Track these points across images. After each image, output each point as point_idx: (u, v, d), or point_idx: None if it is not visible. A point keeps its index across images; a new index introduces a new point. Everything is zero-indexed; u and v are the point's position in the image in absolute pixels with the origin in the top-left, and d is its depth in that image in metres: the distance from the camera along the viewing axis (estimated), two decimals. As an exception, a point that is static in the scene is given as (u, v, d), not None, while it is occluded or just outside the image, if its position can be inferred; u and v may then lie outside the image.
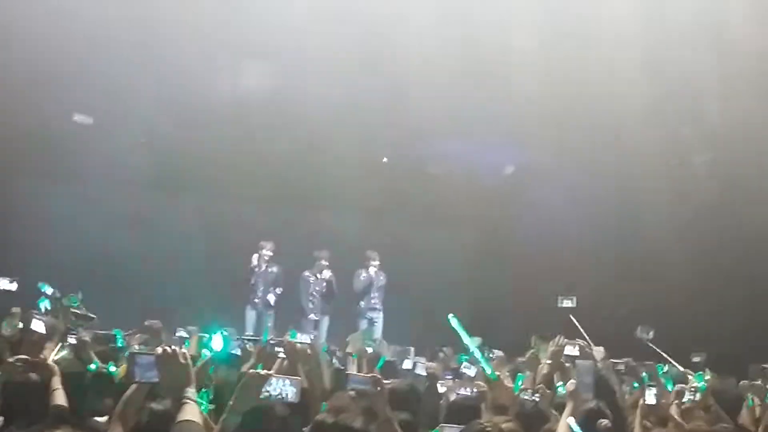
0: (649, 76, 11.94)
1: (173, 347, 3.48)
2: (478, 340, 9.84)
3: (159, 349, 3.49)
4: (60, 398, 5.01)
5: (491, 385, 5.68)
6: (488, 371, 5.86)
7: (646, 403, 5.81)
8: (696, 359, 9.64)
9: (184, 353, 3.46)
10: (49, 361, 5.32)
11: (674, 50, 11.79)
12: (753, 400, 6.85)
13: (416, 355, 10.00)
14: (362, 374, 5.64)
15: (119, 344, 7.86)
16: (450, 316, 6.14)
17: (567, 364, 7.48)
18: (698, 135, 13.17)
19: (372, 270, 14.06)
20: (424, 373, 7.71)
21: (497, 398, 5.55)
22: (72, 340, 6.85)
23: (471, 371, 7.12)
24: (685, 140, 13.32)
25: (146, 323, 9.10)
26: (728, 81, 11.89)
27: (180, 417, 3.29)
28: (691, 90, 12.31)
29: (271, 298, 13.79)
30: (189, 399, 3.35)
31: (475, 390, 5.79)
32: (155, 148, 14.24)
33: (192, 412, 3.32)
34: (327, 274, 13.88)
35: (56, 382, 5.11)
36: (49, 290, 8.42)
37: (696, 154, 13.48)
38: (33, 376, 5.15)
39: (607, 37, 11.60)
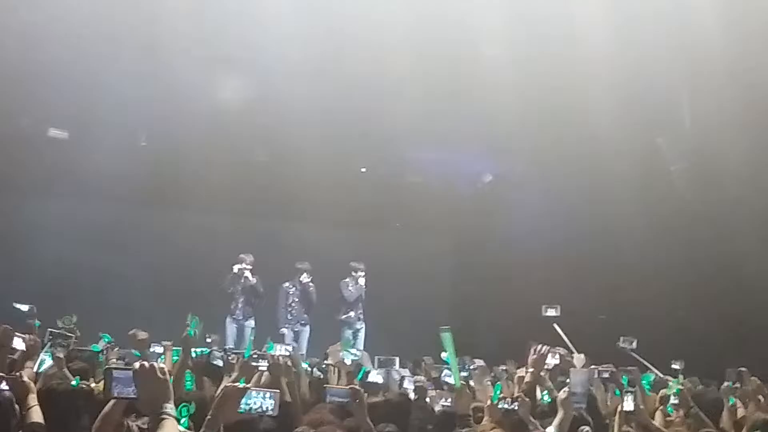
0: (623, 86, 12.01)
1: (151, 362, 3.40)
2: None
3: (137, 365, 3.40)
4: (36, 415, 4.95)
5: (456, 393, 5.69)
6: (455, 380, 5.88)
7: (624, 410, 5.81)
8: (675, 366, 9.69)
9: (162, 368, 3.37)
10: (25, 378, 5.25)
11: (650, 60, 11.88)
12: (734, 400, 6.90)
13: (400, 365, 9.99)
14: (341, 386, 5.64)
15: (99, 358, 7.82)
16: (444, 331, 6.10)
17: (542, 374, 7.51)
18: (674, 144, 13.27)
19: (362, 280, 13.99)
20: (412, 387, 7.68)
21: (458, 406, 5.56)
22: (47, 357, 6.81)
23: (452, 380, 7.12)
24: (660, 149, 13.41)
25: (131, 332, 9.01)
26: (701, 90, 11.99)
27: None
28: (664, 99, 12.41)
29: (250, 315, 13.71)
30: (168, 414, 3.28)
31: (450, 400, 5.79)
32: (131, 161, 14.14)
33: (171, 428, 3.25)
34: (306, 279, 13.78)
35: (32, 400, 5.04)
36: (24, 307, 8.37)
37: (672, 162, 13.55)
38: (6, 393, 5.07)
39: (582, 47, 11.65)
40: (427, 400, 6.92)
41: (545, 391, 6.64)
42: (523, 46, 11.77)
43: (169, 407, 3.30)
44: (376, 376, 8.23)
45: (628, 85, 11.99)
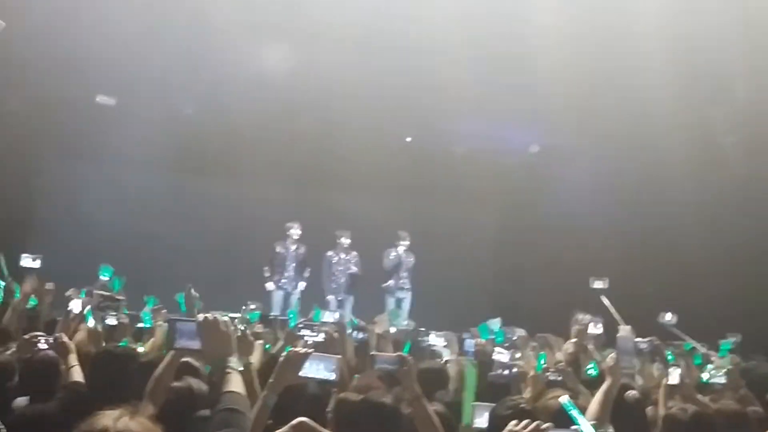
0: (677, 55, 11.78)
1: (214, 315, 3.32)
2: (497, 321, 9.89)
3: (201, 316, 3.33)
4: (77, 375, 5.04)
5: None
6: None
7: (669, 383, 5.77)
8: (730, 340, 9.59)
9: (225, 321, 3.30)
10: (65, 339, 5.33)
11: (702, 29, 11.63)
12: None
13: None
14: (388, 354, 5.67)
15: (146, 324, 7.92)
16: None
17: (590, 346, 7.48)
18: (726, 115, 13.02)
19: (401, 249, 14.08)
20: (473, 350, 7.67)
21: None
22: (112, 321, 6.90)
23: (504, 357, 7.12)
24: (712, 120, 13.18)
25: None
26: (757, 60, 11.73)
27: (225, 387, 3.17)
28: (718, 69, 12.16)
29: (301, 284, 13.87)
30: (232, 369, 3.23)
31: (515, 370, 5.76)
32: (178, 129, 14.28)
33: (236, 382, 3.20)
34: (352, 255, 13.94)
35: (72, 359, 5.14)
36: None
37: (724, 134, 13.32)
38: (50, 352, 5.19)
39: (634, 16, 11.47)
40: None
41: (591, 363, 6.63)
42: (575, 16, 11.61)
43: (234, 361, 3.25)
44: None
45: (682, 56, 11.75)
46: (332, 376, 4.21)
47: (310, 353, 4.09)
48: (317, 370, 4.15)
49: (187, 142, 14.39)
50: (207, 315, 3.32)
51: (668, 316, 9.62)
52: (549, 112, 13.70)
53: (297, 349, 4.13)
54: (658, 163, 13.53)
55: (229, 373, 3.21)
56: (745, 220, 12.81)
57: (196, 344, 3.37)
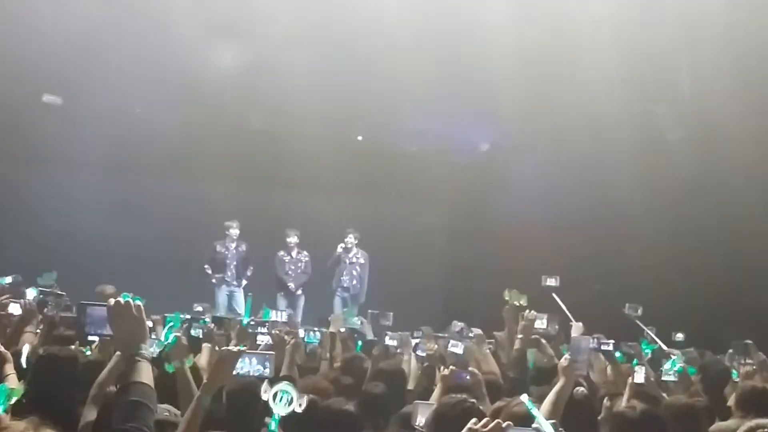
0: (622, 52, 11.93)
1: (126, 299, 3.12)
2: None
3: (111, 301, 3.13)
4: (13, 383, 4.95)
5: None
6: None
7: (635, 381, 5.80)
8: (678, 338, 9.68)
9: (138, 306, 3.10)
10: (1, 348, 5.24)
11: (647, 27, 11.78)
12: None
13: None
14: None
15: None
16: None
17: (542, 340, 7.50)
18: (671, 111, 13.21)
19: (339, 247, 13.98)
20: (424, 354, 7.63)
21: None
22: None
23: (458, 349, 7.08)
24: (658, 117, 13.35)
25: (98, 288, 8.97)
26: (700, 57, 11.90)
27: (133, 377, 2.98)
28: (663, 67, 12.33)
29: (242, 282, 13.79)
30: (143, 357, 3.03)
31: (467, 376, 5.69)
32: (124, 128, 14.08)
33: (146, 373, 3.00)
34: (303, 254, 13.88)
35: (9, 369, 5.05)
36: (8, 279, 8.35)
37: (670, 130, 13.49)
38: None
39: (580, 13, 11.56)
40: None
41: (544, 360, 6.64)
42: (521, 15, 11.67)
43: (145, 348, 3.07)
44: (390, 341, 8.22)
45: (627, 52, 11.90)
46: (267, 372, 4.16)
47: (244, 351, 4.02)
48: (251, 367, 4.10)
49: (134, 141, 14.16)
50: (118, 299, 3.13)
51: (633, 308, 9.68)
52: (499, 111, 13.76)
53: (230, 348, 4.05)
54: (607, 160, 13.66)
55: (138, 361, 3.02)
56: (692, 216, 12.99)
57: (107, 330, 3.19)
